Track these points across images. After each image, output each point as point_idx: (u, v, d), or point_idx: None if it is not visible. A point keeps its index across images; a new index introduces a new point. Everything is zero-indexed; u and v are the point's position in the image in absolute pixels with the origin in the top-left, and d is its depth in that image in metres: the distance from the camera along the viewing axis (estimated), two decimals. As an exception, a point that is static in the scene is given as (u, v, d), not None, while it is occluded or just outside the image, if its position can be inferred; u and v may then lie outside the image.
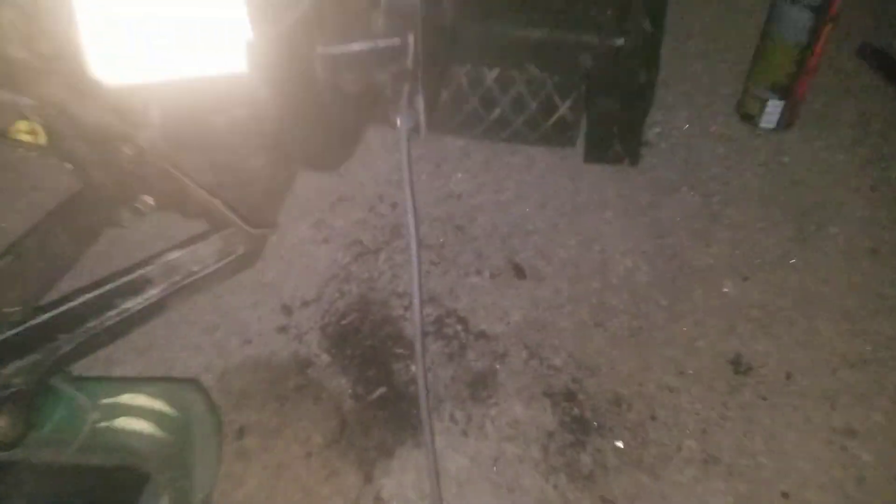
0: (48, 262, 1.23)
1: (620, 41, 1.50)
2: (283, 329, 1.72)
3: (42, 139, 1.11)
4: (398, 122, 1.18)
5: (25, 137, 1.12)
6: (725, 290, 1.74)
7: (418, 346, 1.29)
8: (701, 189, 1.90)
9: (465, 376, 1.64)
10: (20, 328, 1.10)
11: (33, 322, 1.11)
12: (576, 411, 1.58)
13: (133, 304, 1.16)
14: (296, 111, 1.07)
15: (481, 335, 1.70)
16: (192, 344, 1.67)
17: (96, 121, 1.00)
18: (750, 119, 2.01)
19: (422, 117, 1.18)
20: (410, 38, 1.16)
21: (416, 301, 1.28)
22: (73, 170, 1.15)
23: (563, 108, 1.73)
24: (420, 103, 1.18)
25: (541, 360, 1.65)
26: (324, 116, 1.17)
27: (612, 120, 1.73)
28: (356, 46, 1.14)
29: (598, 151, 1.80)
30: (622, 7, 1.58)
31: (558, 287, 1.76)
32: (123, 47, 0.96)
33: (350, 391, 1.63)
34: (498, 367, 1.65)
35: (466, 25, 1.48)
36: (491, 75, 1.72)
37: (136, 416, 1.21)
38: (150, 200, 1.24)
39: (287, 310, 1.75)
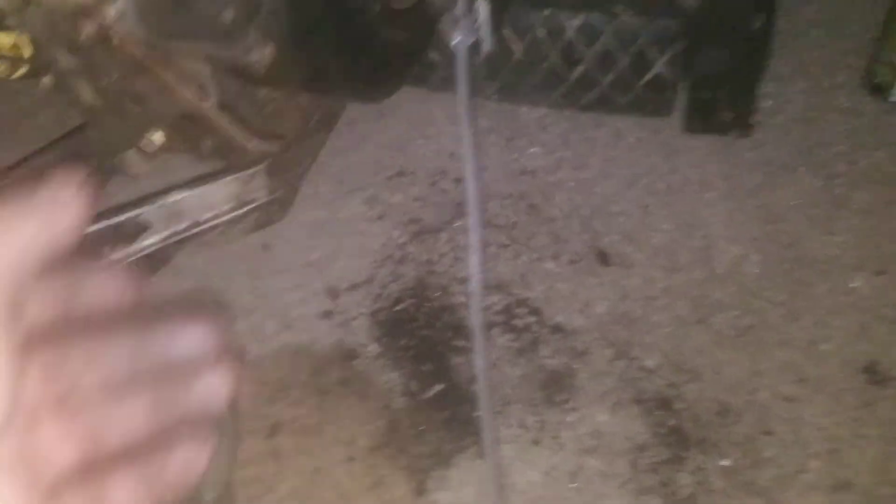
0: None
1: (732, -26, 1.28)
2: (327, 314, 1.52)
3: (27, 52, 0.95)
4: (454, 37, 0.97)
5: (10, 52, 0.96)
6: (854, 285, 1.49)
7: (477, 334, 1.08)
8: (822, 170, 1.66)
9: (538, 375, 1.43)
10: None
11: None
12: (672, 422, 1.36)
13: (123, 253, 0.96)
14: (310, 13, 0.87)
15: (557, 329, 1.48)
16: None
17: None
18: (880, 91, 1.77)
19: (484, 27, 0.98)
20: None
21: (476, 275, 1.07)
22: (60, 90, 0.98)
23: (660, 64, 1.51)
24: (482, 6, 0.98)
25: (629, 361, 1.43)
26: (358, 24, 0.97)
27: (720, 78, 1.50)
28: None
29: (701, 118, 1.58)
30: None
31: (651, 276, 1.53)
32: None
33: (401, 387, 1.43)
34: (577, 366, 1.43)
35: None
36: (573, 24, 1.51)
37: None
38: (158, 138, 1.05)
39: (333, 293, 1.55)
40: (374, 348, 1.48)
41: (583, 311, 1.50)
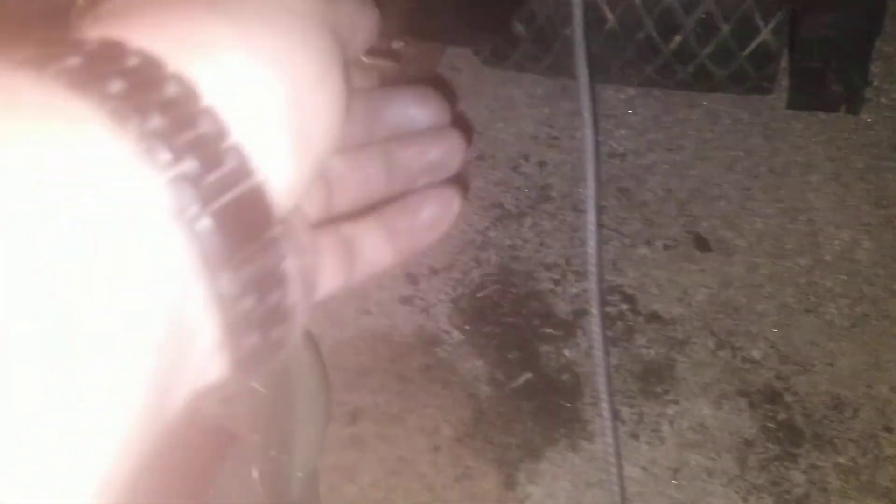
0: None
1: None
2: (407, 300, 1.47)
3: None
4: None
5: None
6: (981, 273, 1.40)
7: (596, 322, 1.01)
8: (936, 151, 1.57)
9: (634, 366, 1.36)
10: None
11: None
12: (782, 416, 1.28)
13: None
14: None
15: (654, 317, 1.41)
16: (298, 308, 1.45)
17: None
18: None
19: None
20: None
21: (594, 260, 1.00)
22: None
23: (766, 32, 1.43)
24: None
25: (733, 351, 1.35)
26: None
27: (830, 47, 1.42)
28: None
29: (807, 92, 1.50)
30: None
31: (754, 263, 1.45)
32: None
33: (487, 376, 1.37)
34: (677, 356, 1.36)
35: None
36: (672, -12, 1.45)
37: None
38: None
39: (412, 278, 1.50)
40: (456, 335, 1.43)
41: (681, 300, 1.43)
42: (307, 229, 0.32)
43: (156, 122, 0.23)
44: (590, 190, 0.94)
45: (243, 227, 0.25)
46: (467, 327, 1.44)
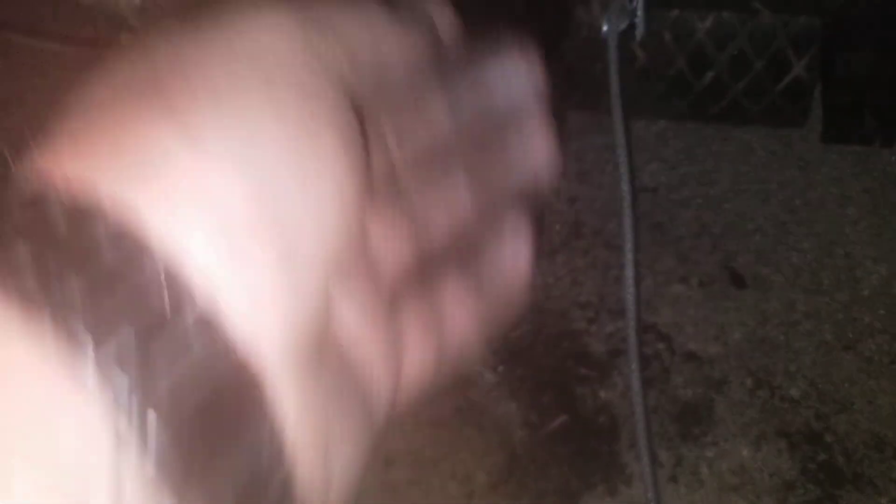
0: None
1: (887, -35, 1.23)
2: (439, 341, 1.50)
3: None
4: (605, 22, 0.94)
5: None
6: None
7: (634, 360, 1.03)
8: (977, 182, 1.58)
9: (671, 407, 1.37)
10: None
11: None
12: (822, 456, 1.29)
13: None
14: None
15: (690, 357, 1.43)
16: (330, 351, 1.48)
17: None
18: None
19: (640, 9, 0.94)
20: None
21: (630, 301, 1.02)
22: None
23: (799, 67, 1.45)
24: None
25: (772, 391, 1.36)
26: (502, 18, 0.95)
27: (865, 82, 1.43)
28: None
29: (842, 126, 1.51)
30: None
31: (791, 299, 1.46)
32: None
33: (521, 419, 1.39)
34: (715, 396, 1.37)
35: None
36: (703, 26, 1.47)
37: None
38: None
39: (444, 318, 1.53)
40: (489, 377, 1.45)
41: (718, 338, 1.44)
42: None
43: (72, 285, 0.18)
44: (626, 233, 0.96)
45: (210, 417, 0.18)
46: (500, 368, 1.46)
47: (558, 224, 1.66)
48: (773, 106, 1.54)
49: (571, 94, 1.68)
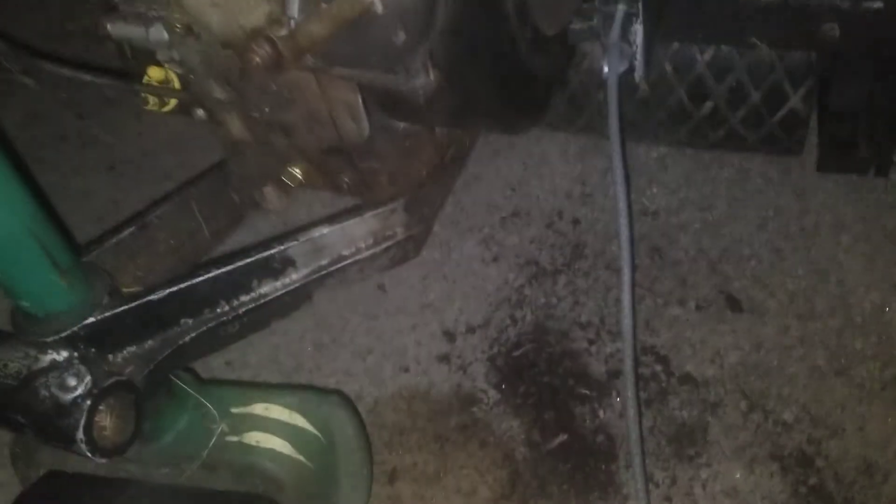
0: (179, 239, 1.11)
1: (878, 4, 1.27)
2: (444, 357, 1.55)
3: (175, 84, 1.01)
4: (605, 64, 0.98)
5: (161, 86, 1.02)
6: None
7: (630, 388, 1.08)
8: (966, 212, 1.63)
9: (667, 428, 1.42)
10: (136, 304, 0.97)
11: (151, 298, 0.98)
12: (814, 480, 1.34)
13: (270, 288, 1.02)
14: (473, 20, 0.89)
15: (687, 379, 1.47)
16: (342, 368, 1.53)
17: (226, 25, 0.86)
18: None
19: (640, 52, 0.99)
20: None
21: (627, 328, 1.07)
22: (210, 123, 1.03)
23: (795, 99, 1.50)
24: (638, 32, 0.99)
25: (765, 414, 1.41)
26: (509, 52, 1.00)
27: (859, 113, 1.48)
28: None
29: (836, 157, 1.57)
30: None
31: (786, 324, 1.51)
32: None
33: (523, 436, 1.44)
34: (710, 419, 1.42)
35: None
36: (703, 58, 1.52)
37: (270, 431, 1.07)
38: (297, 173, 1.10)
39: (450, 336, 1.58)
40: (493, 395, 1.49)
41: (714, 361, 1.49)
42: None
43: None
44: (625, 261, 1.01)
45: None
46: (504, 386, 1.51)
47: (561, 245, 1.70)
48: (769, 135, 1.59)
49: (575, 119, 1.73)
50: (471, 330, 1.59)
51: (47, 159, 1.93)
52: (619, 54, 1.03)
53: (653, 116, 1.64)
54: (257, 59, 0.82)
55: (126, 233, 1.09)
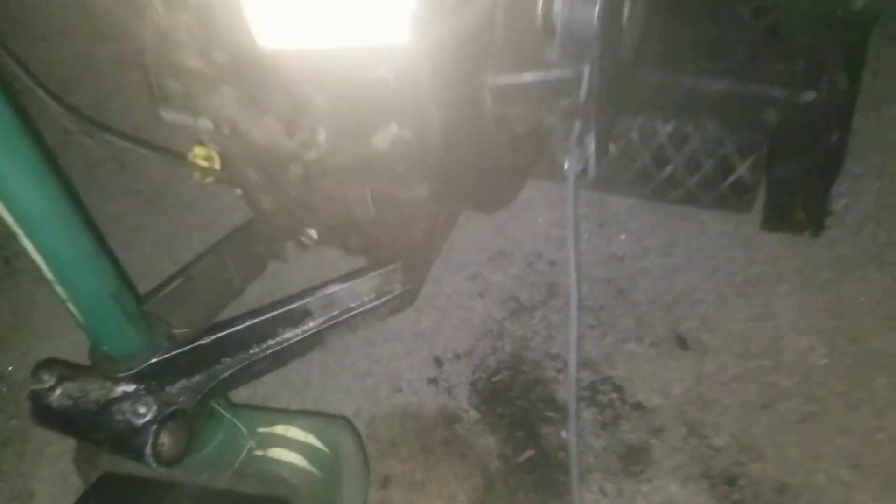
0: (216, 287, 1.39)
1: (812, 96, 1.52)
2: (433, 381, 1.82)
3: (217, 163, 1.26)
4: (566, 163, 1.25)
5: (202, 162, 1.26)
6: (912, 380, 1.71)
7: (572, 411, 1.35)
8: (891, 268, 1.88)
9: (618, 448, 1.69)
10: (188, 347, 1.24)
11: (201, 342, 1.25)
12: (736, 496, 1.60)
13: (292, 334, 1.29)
14: (460, 138, 1.15)
15: (637, 406, 1.74)
16: (343, 387, 1.80)
17: (266, 140, 1.13)
18: (951, 195, 1.97)
19: (592, 158, 1.25)
20: (586, 71, 1.18)
21: (572, 362, 1.34)
22: (243, 195, 1.30)
23: (742, 169, 1.77)
24: (591, 143, 1.25)
25: (700, 439, 1.68)
26: (489, 151, 1.26)
27: (797, 184, 1.74)
28: (528, 77, 1.17)
29: (777, 218, 1.82)
30: (815, 59, 1.59)
31: (725, 362, 1.78)
32: (286, 13, 1.00)
33: (497, 451, 1.71)
34: (653, 441, 1.69)
35: (643, 72, 1.52)
36: (665, 130, 1.78)
37: (289, 447, 1.34)
38: (313, 234, 1.38)
39: (438, 361, 1.85)
40: (473, 414, 1.76)
41: (661, 391, 1.75)
42: None
43: None
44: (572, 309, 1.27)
45: None
46: (483, 407, 1.78)
47: (539, 284, 1.97)
48: (721, 196, 1.86)
49: (555, 173, 1.99)
50: (457, 357, 1.86)
51: (77, 183, 2.20)
52: (576, 158, 1.29)
53: (622, 175, 1.91)
54: (290, 177, 1.09)
55: (175, 284, 1.36)
